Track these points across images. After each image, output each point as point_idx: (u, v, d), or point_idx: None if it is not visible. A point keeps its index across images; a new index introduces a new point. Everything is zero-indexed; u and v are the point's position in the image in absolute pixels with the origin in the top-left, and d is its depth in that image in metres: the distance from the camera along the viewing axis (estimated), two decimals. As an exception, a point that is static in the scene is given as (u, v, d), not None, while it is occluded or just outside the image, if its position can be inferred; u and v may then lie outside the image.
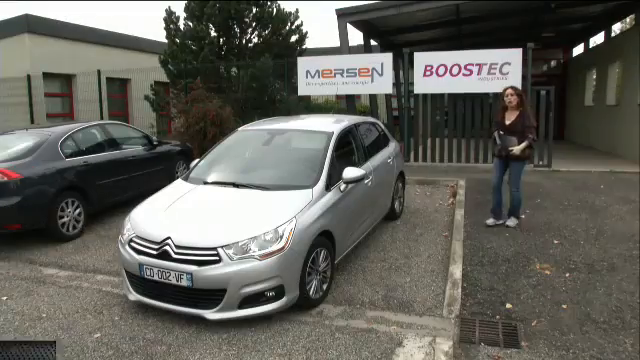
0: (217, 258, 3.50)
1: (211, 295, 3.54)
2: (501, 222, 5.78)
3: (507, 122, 5.45)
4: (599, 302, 3.87)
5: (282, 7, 14.29)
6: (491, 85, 9.78)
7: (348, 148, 5.17)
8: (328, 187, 4.29)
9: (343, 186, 4.44)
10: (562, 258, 4.82)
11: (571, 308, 3.78)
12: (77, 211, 6.07)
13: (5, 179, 5.37)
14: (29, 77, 13.62)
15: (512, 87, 5.48)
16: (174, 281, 3.54)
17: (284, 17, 14.11)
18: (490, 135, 10.14)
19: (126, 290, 3.96)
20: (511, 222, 5.77)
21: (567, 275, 4.41)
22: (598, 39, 15.86)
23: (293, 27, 14.38)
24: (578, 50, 17.57)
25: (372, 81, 10.69)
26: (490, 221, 5.83)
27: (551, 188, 7.96)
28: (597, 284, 4.20)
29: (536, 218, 6.17)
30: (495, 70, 9.71)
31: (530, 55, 9.88)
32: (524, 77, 9.74)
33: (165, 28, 13.72)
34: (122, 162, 7.01)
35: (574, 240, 5.34)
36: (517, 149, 5.31)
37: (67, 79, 14.97)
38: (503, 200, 5.82)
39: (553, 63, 19.73)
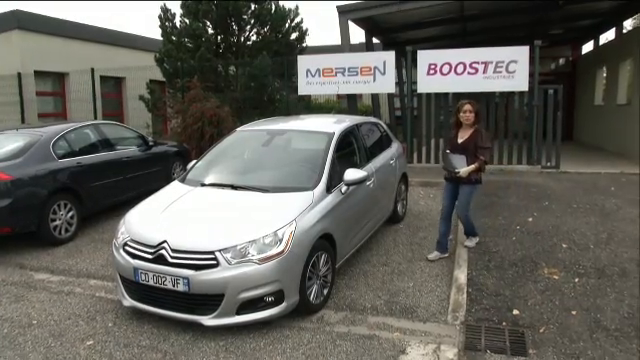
0: (215, 262, 3.50)
1: (208, 300, 3.54)
2: (446, 255, 5.13)
3: (460, 140, 4.97)
4: (610, 308, 3.86)
5: (281, 4, 14.31)
6: (497, 84, 9.79)
7: (349, 149, 5.19)
8: (329, 189, 4.30)
9: (344, 188, 4.45)
10: (571, 262, 4.81)
11: (581, 314, 3.78)
12: (70, 214, 6.07)
13: (-5, 181, 5.38)
14: (19, 75, 13.63)
15: (469, 102, 4.96)
16: (170, 286, 3.55)
17: (283, 14, 14.12)
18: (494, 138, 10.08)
19: (120, 295, 3.97)
20: (470, 242, 5.22)
21: (576, 280, 4.40)
22: (609, 35, 15.89)
23: (293, 24, 14.40)
24: (588, 47, 17.55)
25: (374, 80, 10.69)
26: (433, 255, 5.12)
27: (559, 190, 7.96)
28: (608, 289, 4.20)
29: (544, 221, 6.17)
30: (501, 69, 9.71)
31: (537, 53, 9.88)
32: (531, 75, 9.75)
33: (160, 26, 13.73)
34: (117, 163, 7.02)
35: (583, 244, 5.33)
36: (464, 171, 4.79)
37: (59, 77, 14.97)
38: (450, 231, 5.29)
39: (561, 61, 19.73)
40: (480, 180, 5.07)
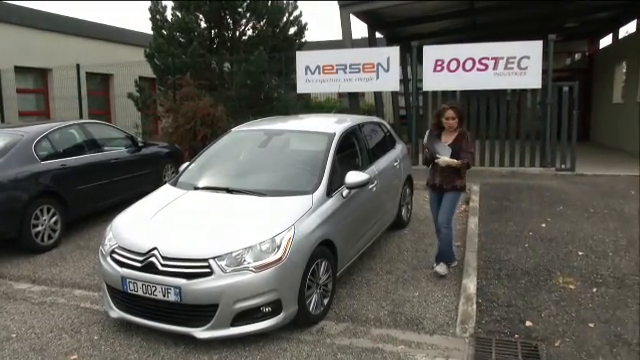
0: (208, 270, 3.50)
1: (201, 311, 3.54)
2: (454, 264, 5.09)
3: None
4: (631, 320, 3.85)
5: (279, -1, 14.33)
6: (508, 81, 9.83)
7: (351, 150, 5.20)
8: (329, 193, 4.30)
9: (346, 192, 4.46)
10: (588, 271, 4.82)
11: (599, 327, 3.78)
12: (53, 219, 6.07)
13: (-26, 184, 5.39)
14: (-2, 71, 13.66)
15: (452, 108, 4.87)
16: (160, 296, 3.55)
17: (281, 7, 14.16)
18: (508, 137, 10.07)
19: (107, 306, 3.96)
20: (441, 269, 4.90)
21: (594, 290, 4.41)
22: (629, 28, 15.85)
23: (291, 18, 14.43)
24: (606, 41, 17.55)
25: (377, 77, 10.73)
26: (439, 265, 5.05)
27: (575, 194, 7.97)
28: (629, 300, 4.19)
29: (558, 227, 6.18)
30: (513, 64, 9.75)
31: (551, 48, 9.92)
32: (544, 72, 9.78)
33: (151, 19, 13.76)
34: (104, 165, 7.03)
35: (601, 251, 5.34)
36: (443, 160, 4.71)
37: (42, 74, 14.99)
38: (453, 238, 5.12)
39: (577, 56, 19.77)
40: (464, 187, 5.02)
